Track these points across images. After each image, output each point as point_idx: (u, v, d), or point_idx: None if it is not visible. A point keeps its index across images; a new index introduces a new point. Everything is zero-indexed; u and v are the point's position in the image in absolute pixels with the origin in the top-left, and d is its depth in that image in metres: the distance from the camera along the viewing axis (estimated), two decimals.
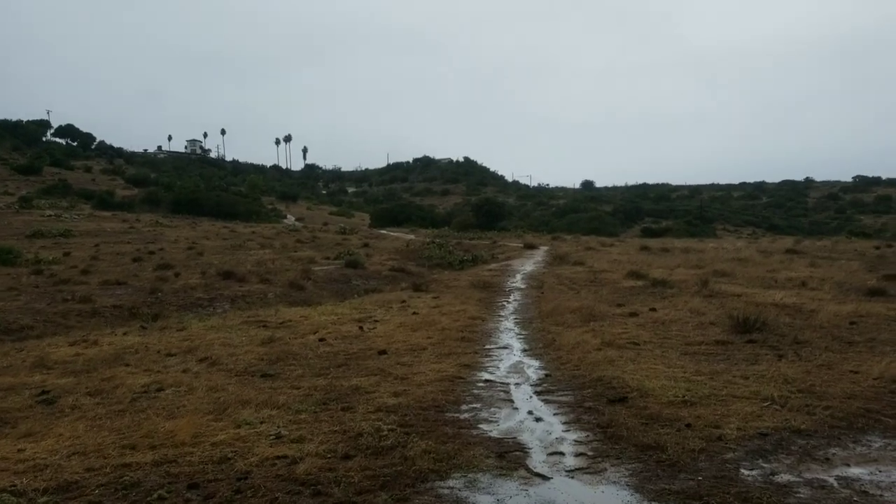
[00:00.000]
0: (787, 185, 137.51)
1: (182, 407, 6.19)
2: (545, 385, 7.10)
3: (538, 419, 5.78)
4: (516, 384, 7.17)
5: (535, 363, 8.37)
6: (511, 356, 8.91)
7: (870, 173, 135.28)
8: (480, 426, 5.57)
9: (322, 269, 26.28)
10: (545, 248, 38.49)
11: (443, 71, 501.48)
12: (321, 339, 10.17)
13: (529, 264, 27.56)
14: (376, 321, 12.17)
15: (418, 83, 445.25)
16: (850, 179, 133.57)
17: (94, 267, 25.60)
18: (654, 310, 13.09)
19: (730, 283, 18.01)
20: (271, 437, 5.18)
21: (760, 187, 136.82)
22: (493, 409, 6.12)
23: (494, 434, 5.34)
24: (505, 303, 15.37)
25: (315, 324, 11.87)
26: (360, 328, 11.15)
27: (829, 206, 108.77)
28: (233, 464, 4.62)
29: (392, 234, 56.25)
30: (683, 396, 6.26)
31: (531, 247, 38.75)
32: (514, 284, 19.65)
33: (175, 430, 5.30)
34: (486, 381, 7.32)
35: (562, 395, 6.61)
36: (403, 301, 14.99)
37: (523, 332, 10.97)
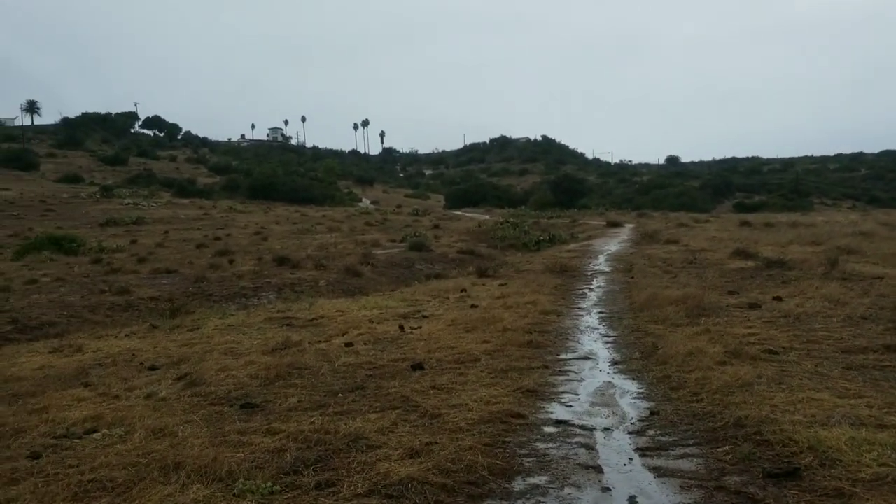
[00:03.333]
0: (888, 155, 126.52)
1: (82, 474, 3.98)
2: (652, 432, 4.54)
3: None
4: (605, 430, 4.62)
5: (633, 386, 5.79)
6: (596, 373, 6.35)
7: None
8: None
9: (385, 252, 24.16)
10: (630, 225, 35.27)
11: (524, 50, 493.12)
12: (348, 344, 7.88)
13: (614, 244, 24.64)
14: (424, 317, 9.80)
15: (498, 62, 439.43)
16: None
17: (156, 255, 24.40)
18: (778, 299, 10.24)
19: (863, 263, 14.76)
20: None
21: (858, 158, 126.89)
22: (567, 491, 3.63)
23: None
24: (586, 290, 12.73)
25: (350, 321, 9.61)
26: (401, 328, 8.80)
27: None
28: None
29: (466, 214, 53.85)
30: None
31: (615, 224, 35.61)
32: (597, 268, 16.92)
33: None
34: (559, 422, 4.81)
35: (683, 458, 4.04)
36: (463, 290, 12.55)
37: (611, 334, 8.36)
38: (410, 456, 4.05)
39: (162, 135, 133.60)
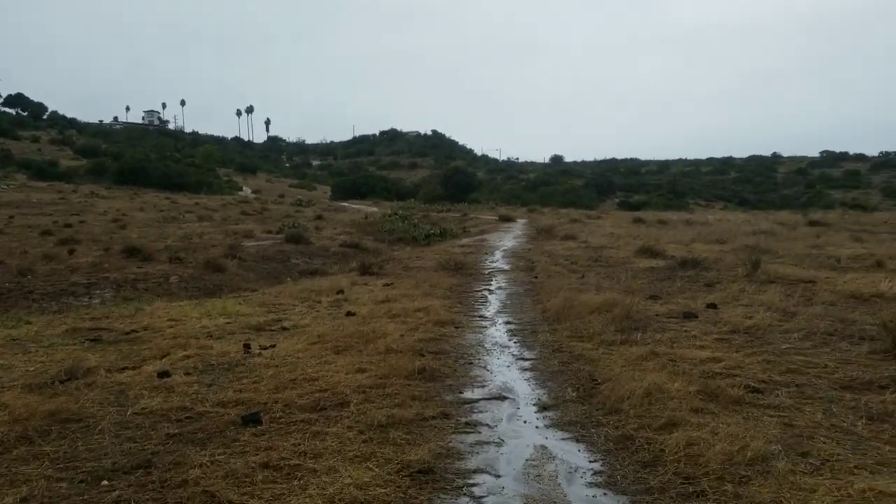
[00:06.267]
0: (755, 160, 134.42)
1: None
2: None
3: None
4: None
5: (581, 458, 3.73)
6: (519, 427, 4.27)
7: (836, 148, 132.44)
8: None
9: (257, 244, 21.40)
10: (523, 220, 34.01)
11: (415, 44, 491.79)
12: (163, 374, 5.47)
13: (509, 239, 22.98)
14: (284, 329, 7.49)
15: (390, 56, 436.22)
16: (816, 155, 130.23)
17: None
18: (713, 306, 8.66)
19: (780, 264, 13.63)
20: None
21: (728, 162, 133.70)
22: None
23: None
24: (486, 293, 10.76)
25: (181, 335, 7.14)
26: (247, 347, 6.45)
27: (797, 181, 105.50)
28: None
29: (353, 206, 51.22)
30: None
31: (507, 219, 34.22)
32: (495, 265, 15.05)
33: None
34: None
35: None
36: (340, 291, 10.27)
37: (528, 355, 6.34)
38: None
39: (25, 114, 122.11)
